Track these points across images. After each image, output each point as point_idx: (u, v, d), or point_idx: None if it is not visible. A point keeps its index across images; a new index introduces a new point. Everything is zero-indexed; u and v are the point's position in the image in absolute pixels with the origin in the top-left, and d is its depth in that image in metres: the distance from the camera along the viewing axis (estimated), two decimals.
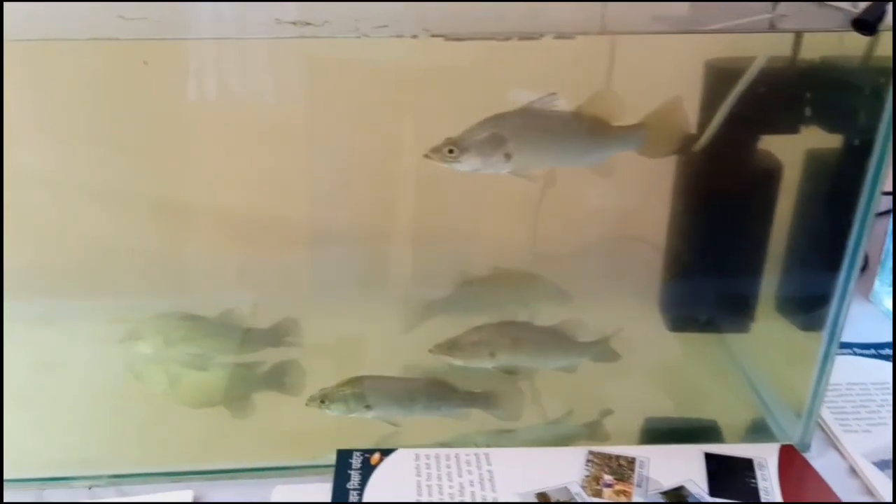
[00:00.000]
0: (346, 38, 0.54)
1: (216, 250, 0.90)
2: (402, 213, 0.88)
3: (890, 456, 0.74)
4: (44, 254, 0.87)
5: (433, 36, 0.54)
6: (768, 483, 0.68)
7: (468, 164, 0.63)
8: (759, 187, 0.75)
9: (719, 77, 0.72)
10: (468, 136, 0.63)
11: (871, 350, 0.90)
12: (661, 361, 0.83)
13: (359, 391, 0.74)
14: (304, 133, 0.85)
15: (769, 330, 0.82)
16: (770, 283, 0.81)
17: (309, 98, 0.82)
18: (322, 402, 0.73)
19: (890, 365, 0.87)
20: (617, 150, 0.67)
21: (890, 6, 0.57)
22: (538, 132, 0.65)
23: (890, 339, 0.92)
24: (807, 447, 0.75)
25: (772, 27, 0.64)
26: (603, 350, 0.79)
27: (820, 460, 0.75)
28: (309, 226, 0.94)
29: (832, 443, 0.77)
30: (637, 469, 0.70)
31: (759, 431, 0.78)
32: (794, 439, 0.75)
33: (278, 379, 0.81)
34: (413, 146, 0.82)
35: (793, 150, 0.74)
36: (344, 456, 0.71)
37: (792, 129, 0.73)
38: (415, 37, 0.54)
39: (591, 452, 0.71)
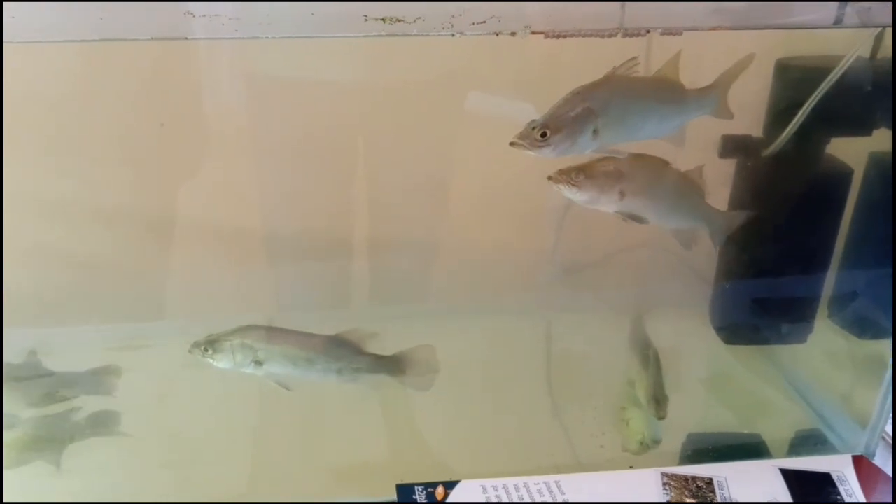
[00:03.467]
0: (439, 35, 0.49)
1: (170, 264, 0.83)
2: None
3: None
4: None
5: (533, 33, 0.50)
6: (852, 497, 0.66)
7: (558, 147, 0.57)
8: (824, 192, 0.73)
9: (792, 77, 0.69)
10: (558, 115, 0.57)
11: None
12: (713, 375, 0.80)
13: (248, 342, 0.65)
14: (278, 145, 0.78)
15: (824, 340, 0.80)
16: (825, 291, 0.79)
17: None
18: (206, 349, 0.64)
19: None
20: (693, 114, 0.64)
21: None
22: (624, 101, 0.61)
23: None
24: (872, 455, 0.73)
25: (838, 23, 0.62)
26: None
27: (887, 467, 0.73)
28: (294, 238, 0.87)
29: (889, 448, 0.75)
30: (717, 490, 0.66)
31: (819, 444, 0.76)
32: (859, 449, 0.73)
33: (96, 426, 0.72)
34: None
35: (856, 154, 0.73)
36: (406, 491, 0.65)
37: (865, 131, 0.70)
38: (513, 34, 0.50)
39: (664, 475, 0.68)
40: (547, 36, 0.50)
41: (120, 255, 0.81)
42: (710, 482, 0.67)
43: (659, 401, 0.73)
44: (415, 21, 0.48)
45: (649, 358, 0.77)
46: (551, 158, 0.58)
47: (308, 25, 0.49)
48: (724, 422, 0.78)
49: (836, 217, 0.73)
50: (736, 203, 0.75)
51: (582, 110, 0.57)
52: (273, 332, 0.67)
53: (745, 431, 0.77)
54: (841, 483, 0.67)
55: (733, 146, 0.72)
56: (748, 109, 0.72)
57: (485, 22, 0.48)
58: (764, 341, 0.81)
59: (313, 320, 0.72)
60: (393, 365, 0.68)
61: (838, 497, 0.66)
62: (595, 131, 0.58)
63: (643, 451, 0.72)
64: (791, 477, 0.67)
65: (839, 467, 0.69)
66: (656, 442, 0.72)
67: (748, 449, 0.74)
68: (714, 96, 0.64)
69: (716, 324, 0.81)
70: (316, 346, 0.67)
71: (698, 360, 0.81)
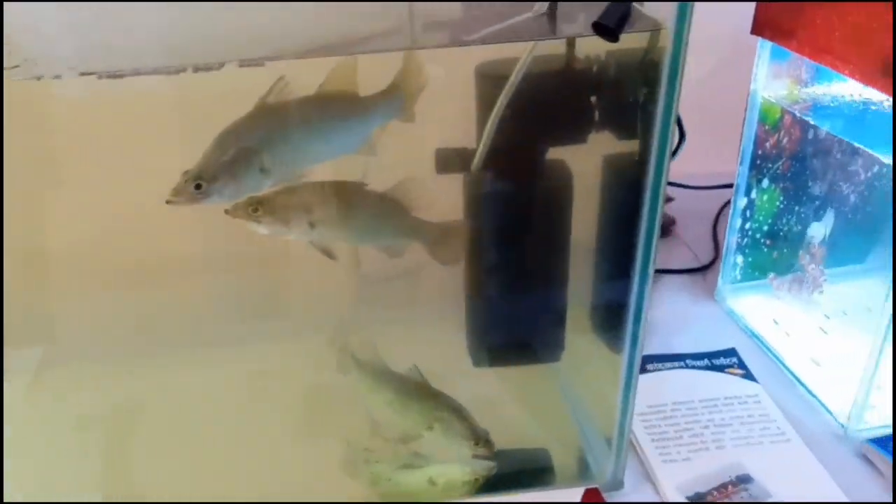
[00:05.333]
0: None
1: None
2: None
3: (705, 488, 0.68)
4: None
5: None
6: None
7: (223, 194, 0.51)
8: (546, 203, 0.67)
9: (492, 84, 0.64)
10: (210, 162, 0.51)
11: (704, 361, 0.84)
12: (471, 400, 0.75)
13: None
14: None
15: (585, 354, 0.75)
16: (582, 303, 0.74)
17: None
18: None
19: (723, 375, 0.82)
20: (376, 122, 0.58)
21: (630, 7, 0.49)
22: (285, 128, 0.55)
23: (728, 346, 0.86)
24: (620, 485, 0.68)
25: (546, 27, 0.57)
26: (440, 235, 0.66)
27: (634, 496, 0.69)
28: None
29: (648, 476, 0.70)
30: None
31: (584, 470, 0.71)
32: (606, 477, 0.68)
33: None
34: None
35: (589, 159, 0.67)
36: None
37: (580, 137, 0.65)
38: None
39: None
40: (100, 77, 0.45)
41: None
42: None
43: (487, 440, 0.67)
44: None
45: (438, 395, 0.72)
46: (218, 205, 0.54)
47: None
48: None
49: (561, 227, 0.67)
50: (467, 217, 0.70)
51: (237, 151, 0.52)
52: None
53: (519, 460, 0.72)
54: None
55: (447, 160, 0.67)
56: (470, 119, 0.67)
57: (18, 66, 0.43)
58: (513, 362, 0.76)
59: None
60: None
61: None
62: (264, 170, 0.53)
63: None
64: None
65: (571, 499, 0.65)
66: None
67: (515, 479, 0.69)
68: (395, 99, 0.58)
69: (468, 346, 0.76)
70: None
71: (459, 385, 0.75)
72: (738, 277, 0.91)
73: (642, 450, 0.71)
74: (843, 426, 0.73)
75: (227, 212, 0.55)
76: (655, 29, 0.50)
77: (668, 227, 1.09)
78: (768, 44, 0.79)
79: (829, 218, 0.77)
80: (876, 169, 0.70)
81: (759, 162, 0.85)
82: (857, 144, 0.72)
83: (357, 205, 0.61)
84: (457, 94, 0.67)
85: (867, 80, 0.66)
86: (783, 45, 0.76)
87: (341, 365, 0.69)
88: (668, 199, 1.11)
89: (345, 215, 0.60)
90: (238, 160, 0.51)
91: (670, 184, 1.15)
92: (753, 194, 0.86)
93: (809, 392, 0.78)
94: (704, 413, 0.76)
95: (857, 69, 0.67)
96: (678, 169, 1.16)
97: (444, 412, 0.68)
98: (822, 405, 0.77)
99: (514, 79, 0.59)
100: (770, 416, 0.75)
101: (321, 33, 0.56)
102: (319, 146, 0.56)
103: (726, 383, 0.80)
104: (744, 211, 0.88)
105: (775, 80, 0.80)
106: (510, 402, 0.74)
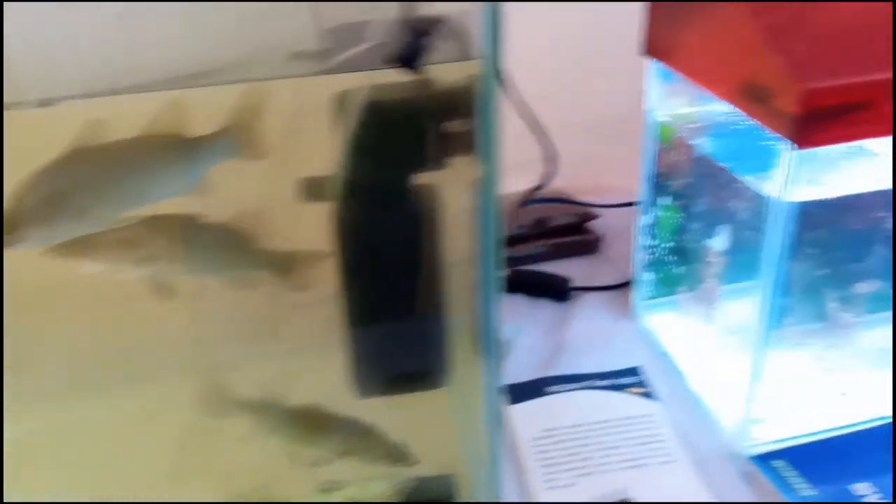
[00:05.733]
0: None
1: None
2: None
3: None
4: None
5: None
6: None
7: (31, 240, 0.50)
8: (415, 226, 0.68)
9: (351, 112, 0.64)
10: (19, 207, 0.49)
11: (607, 380, 0.84)
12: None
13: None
14: None
15: (470, 379, 0.75)
16: (465, 327, 0.74)
17: None
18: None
19: (623, 395, 0.81)
20: (208, 163, 0.57)
21: (427, 40, 0.50)
22: (107, 171, 0.53)
23: (635, 364, 0.86)
24: None
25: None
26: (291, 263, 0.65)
27: None
28: None
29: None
30: None
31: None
32: None
33: None
34: None
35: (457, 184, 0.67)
36: None
37: (437, 165, 0.65)
38: None
39: None
40: None
41: None
42: None
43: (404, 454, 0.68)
44: None
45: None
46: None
47: None
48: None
49: (431, 252, 0.67)
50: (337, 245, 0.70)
51: (49, 195, 0.53)
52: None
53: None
54: None
55: (313, 188, 0.67)
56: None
57: None
58: (397, 391, 0.76)
59: None
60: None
61: None
62: (79, 212, 0.54)
63: None
64: None
65: None
66: None
67: None
68: (229, 138, 0.57)
69: (352, 377, 0.76)
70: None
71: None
72: (651, 294, 0.91)
73: (529, 476, 0.71)
74: (732, 444, 0.73)
75: (48, 252, 0.53)
76: (463, 59, 0.51)
77: (594, 245, 1.09)
78: (657, 63, 0.79)
79: (724, 234, 0.77)
80: (745, 187, 0.70)
81: (658, 180, 0.85)
82: (720, 164, 0.72)
83: (191, 238, 0.60)
84: (323, 124, 0.67)
85: (733, 101, 0.66)
86: (666, 65, 0.76)
87: (216, 408, 0.68)
88: (593, 217, 1.11)
89: (177, 249, 0.59)
90: (49, 204, 0.50)
91: (592, 205, 1.15)
92: (656, 212, 0.86)
93: (708, 410, 0.78)
94: (597, 435, 0.76)
95: (723, 90, 0.67)
96: (607, 186, 1.17)
97: (354, 438, 0.68)
98: (718, 423, 0.76)
99: (357, 105, 0.59)
100: (661, 437, 0.75)
101: (162, 65, 0.56)
102: (142, 189, 0.55)
103: (625, 404, 0.79)
104: (650, 228, 0.88)
105: (667, 99, 0.81)
106: (399, 431, 0.74)
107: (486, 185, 0.54)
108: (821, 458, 0.69)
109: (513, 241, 1.08)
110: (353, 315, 0.70)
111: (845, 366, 0.79)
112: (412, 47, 0.48)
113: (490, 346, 0.61)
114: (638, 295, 0.93)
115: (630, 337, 0.91)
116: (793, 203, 0.63)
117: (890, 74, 0.58)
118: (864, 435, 0.72)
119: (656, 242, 0.88)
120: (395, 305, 0.70)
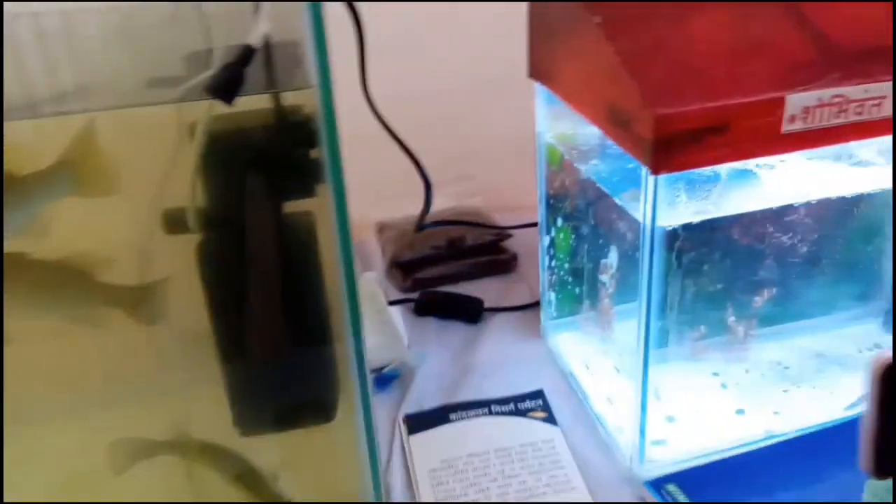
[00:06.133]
0: None
1: None
2: None
3: None
4: None
5: None
6: None
7: None
8: (287, 255, 0.66)
9: (211, 140, 0.62)
10: None
11: (509, 405, 0.83)
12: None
13: None
14: None
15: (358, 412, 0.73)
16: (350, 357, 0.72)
17: None
18: None
19: (524, 420, 0.81)
20: (40, 201, 0.55)
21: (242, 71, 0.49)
22: None
23: (538, 387, 0.85)
24: None
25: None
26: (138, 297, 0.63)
27: None
28: None
29: None
30: None
31: None
32: None
33: None
34: None
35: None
36: None
37: (308, 193, 0.64)
38: None
39: None
40: None
41: None
42: None
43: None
44: None
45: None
46: None
47: None
48: None
49: (306, 282, 0.66)
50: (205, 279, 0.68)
51: None
52: None
53: None
54: None
55: (174, 220, 0.65)
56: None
57: None
58: (282, 427, 0.75)
59: None
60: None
61: None
62: None
63: None
64: None
65: None
66: None
67: None
68: (61, 176, 0.54)
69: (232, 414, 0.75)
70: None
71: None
72: (555, 314, 0.91)
73: None
74: (629, 469, 0.73)
75: None
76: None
77: (509, 264, 1.09)
78: (542, 86, 0.79)
79: (613, 255, 0.76)
80: (624, 211, 0.69)
81: (552, 202, 0.84)
82: (601, 187, 0.72)
83: (19, 278, 0.56)
84: (184, 154, 0.65)
85: (600, 125, 0.66)
86: (548, 88, 0.76)
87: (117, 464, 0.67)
88: (508, 236, 1.10)
89: (5, 290, 0.56)
90: None
91: (504, 227, 1.13)
92: (552, 233, 0.86)
93: (609, 433, 0.78)
94: (496, 464, 0.75)
95: (592, 114, 0.67)
96: (523, 205, 1.16)
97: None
98: (618, 446, 0.76)
99: (200, 134, 0.57)
100: (560, 463, 0.74)
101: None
102: None
103: (526, 429, 0.79)
104: (548, 249, 0.87)
105: (554, 121, 0.80)
106: (287, 468, 0.73)
107: (334, 212, 0.54)
108: (712, 481, 0.69)
109: (426, 261, 1.07)
110: (225, 350, 0.68)
111: (741, 382, 0.80)
112: (226, 78, 0.47)
113: (361, 377, 0.60)
114: (545, 315, 0.92)
115: (537, 358, 0.90)
116: (660, 228, 0.62)
117: (745, 99, 0.58)
118: (756, 455, 0.72)
119: (556, 263, 0.87)
120: (266, 338, 0.69)
